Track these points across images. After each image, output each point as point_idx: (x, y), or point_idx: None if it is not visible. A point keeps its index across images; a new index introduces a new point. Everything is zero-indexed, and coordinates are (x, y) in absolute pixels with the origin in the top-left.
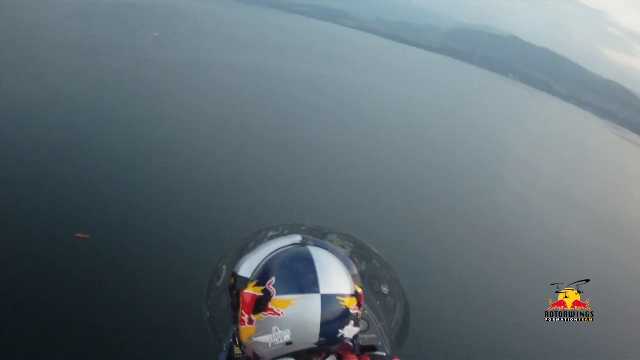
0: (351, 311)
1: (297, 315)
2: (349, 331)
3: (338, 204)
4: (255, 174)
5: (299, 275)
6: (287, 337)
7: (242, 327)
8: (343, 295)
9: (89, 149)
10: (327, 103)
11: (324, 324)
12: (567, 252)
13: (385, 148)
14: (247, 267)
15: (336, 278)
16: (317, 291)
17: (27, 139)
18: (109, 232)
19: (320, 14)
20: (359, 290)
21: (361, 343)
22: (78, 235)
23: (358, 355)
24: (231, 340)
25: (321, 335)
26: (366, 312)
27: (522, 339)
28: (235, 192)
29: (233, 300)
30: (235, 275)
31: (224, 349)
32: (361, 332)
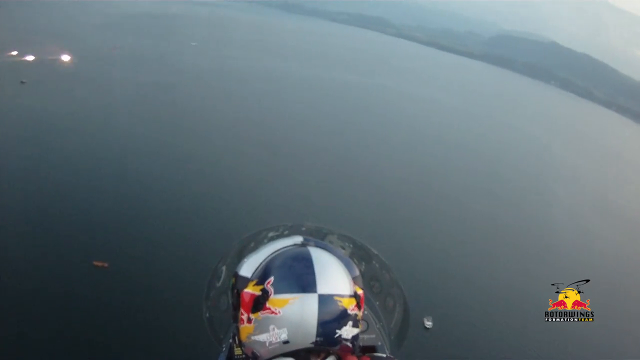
0: (349, 312)
1: (294, 314)
2: (347, 332)
3: (382, 215)
4: (299, 184)
5: (297, 274)
6: (284, 336)
7: (241, 326)
8: (341, 296)
9: (111, 173)
10: (368, 112)
11: (321, 323)
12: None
13: (427, 157)
14: (248, 267)
15: (334, 278)
16: (315, 291)
17: (46, 161)
18: (129, 260)
19: (361, 22)
20: (359, 292)
21: (361, 343)
22: (96, 263)
23: (358, 356)
24: (231, 340)
25: (318, 335)
26: (366, 312)
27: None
28: (275, 205)
29: (233, 300)
30: (236, 275)
31: (224, 349)
32: (361, 332)
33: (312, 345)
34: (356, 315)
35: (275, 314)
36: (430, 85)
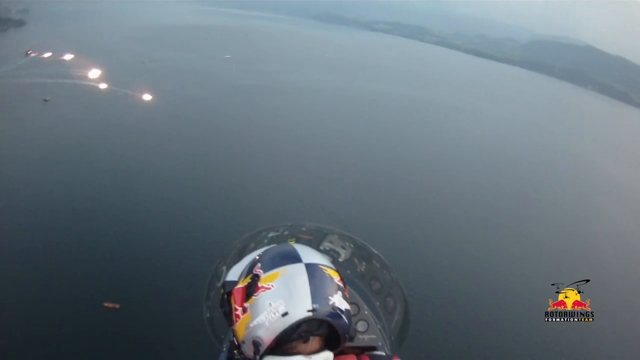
0: (336, 281)
1: (286, 282)
2: (339, 301)
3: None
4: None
5: (280, 253)
6: (281, 308)
7: (237, 323)
8: (326, 266)
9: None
10: (407, 122)
11: (313, 288)
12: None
13: (465, 166)
14: (234, 273)
15: (316, 254)
16: (300, 260)
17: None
18: (141, 302)
19: (400, 31)
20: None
21: (361, 344)
22: (107, 304)
23: (357, 355)
24: (230, 341)
25: (313, 300)
26: (366, 312)
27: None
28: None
29: (225, 307)
30: (224, 283)
31: (224, 349)
32: (361, 332)
33: (310, 314)
34: (343, 289)
35: (269, 289)
36: (473, 94)
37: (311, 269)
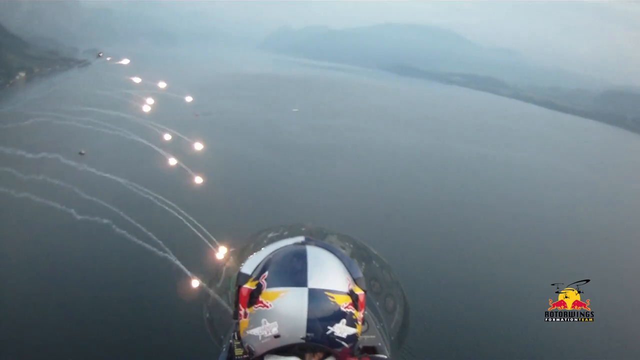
0: (342, 309)
1: (284, 307)
2: (341, 330)
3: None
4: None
5: (289, 269)
6: (274, 330)
7: (241, 322)
8: (333, 292)
9: None
10: (479, 183)
11: (311, 318)
12: None
13: (539, 221)
14: (250, 265)
15: (328, 275)
16: (305, 284)
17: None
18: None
19: (475, 84)
20: (358, 292)
21: (361, 344)
22: None
23: (358, 357)
24: (231, 340)
25: (308, 330)
26: (366, 312)
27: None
28: None
29: (235, 297)
30: (238, 272)
31: (224, 349)
32: (361, 333)
33: (303, 341)
34: (352, 314)
35: (267, 307)
36: (550, 151)
37: (314, 296)
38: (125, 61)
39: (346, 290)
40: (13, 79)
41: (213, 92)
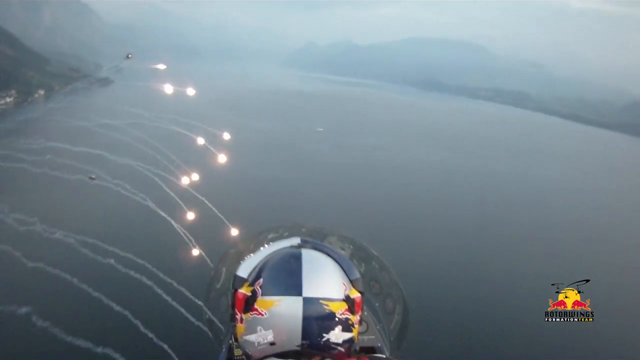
0: (338, 316)
1: (279, 316)
2: (336, 336)
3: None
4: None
5: (283, 277)
6: (270, 338)
7: (237, 326)
8: (328, 299)
9: None
10: (517, 205)
11: (306, 326)
12: None
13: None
14: (245, 268)
15: (323, 281)
16: (299, 293)
17: None
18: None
19: (501, 98)
20: (355, 296)
21: (361, 344)
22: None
23: (357, 357)
24: (230, 341)
25: (303, 337)
26: (365, 313)
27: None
28: None
29: (231, 299)
30: (234, 275)
31: (224, 349)
32: (360, 333)
33: (298, 348)
34: (347, 319)
35: (262, 315)
36: (579, 167)
37: (309, 305)
38: (162, 66)
39: (342, 296)
40: (32, 97)
41: (234, 109)
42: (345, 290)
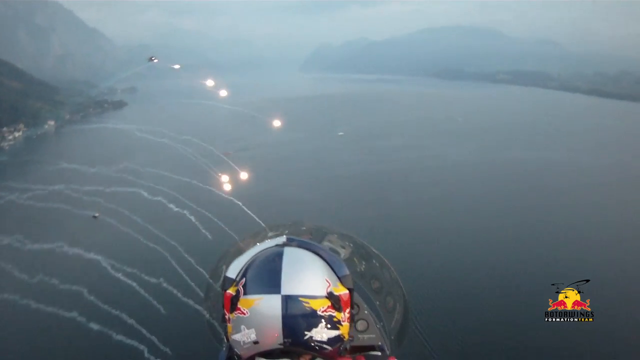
0: (319, 313)
1: (259, 314)
2: (320, 333)
3: None
4: None
5: (264, 275)
6: (253, 336)
7: (228, 326)
8: (308, 297)
9: None
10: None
11: (287, 324)
12: None
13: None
14: (234, 269)
15: (303, 279)
16: (278, 292)
17: None
18: None
19: (521, 79)
20: (342, 292)
21: (361, 343)
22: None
23: (353, 356)
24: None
25: (285, 335)
26: (365, 312)
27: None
28: None
29: (221, 300)
30: (224, 277)
31: (224, 348)
32: (360, 331)
33: (281, 346)
34: (332, 316)
35: (244, 314)
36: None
37: (288, 303)
38: (177, 66)
39: (324, 293)
40: (42, 129)
41: (247, 123)
42: (329, 287)
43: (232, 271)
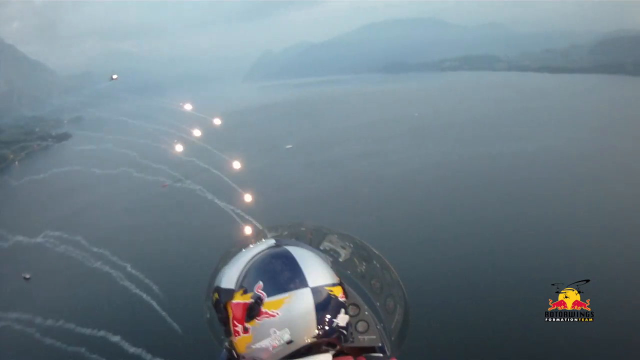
0: (340, 299)
1: (292, 312)
2: (342, 319)
3: None
4: None
5: (284, 274)
6: (286, 337)
7: (237, 338)
8: (330, 285)
9: None
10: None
11: (319, 315)
12: None
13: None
14: (229, 279)
15: (320, 270)
16: (306, 285)
17: None
18: None
19: (469, 64)
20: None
21: (361, 344)
22: None
23: (355, 356)
24: (227, 348)
25: (318, 327)
26: (366, 313)
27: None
28: None
29: (221, 315)
30: (218, 289)
31: (224, 349)
32: (361, 332)
33: (315, 339)
34: (345, 302)
35: (274, 316)
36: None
37: (317, 294)
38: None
39: (337, 281)
40: None
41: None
42: (335, 275)
43: (228, 282)
